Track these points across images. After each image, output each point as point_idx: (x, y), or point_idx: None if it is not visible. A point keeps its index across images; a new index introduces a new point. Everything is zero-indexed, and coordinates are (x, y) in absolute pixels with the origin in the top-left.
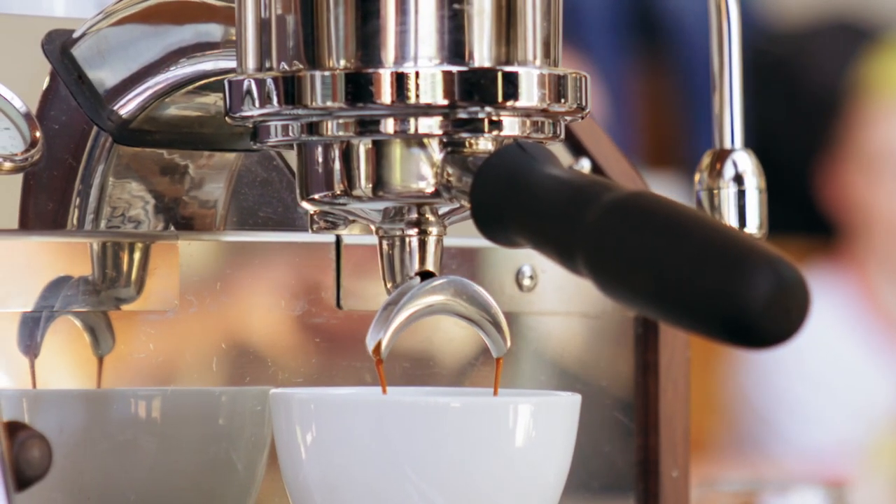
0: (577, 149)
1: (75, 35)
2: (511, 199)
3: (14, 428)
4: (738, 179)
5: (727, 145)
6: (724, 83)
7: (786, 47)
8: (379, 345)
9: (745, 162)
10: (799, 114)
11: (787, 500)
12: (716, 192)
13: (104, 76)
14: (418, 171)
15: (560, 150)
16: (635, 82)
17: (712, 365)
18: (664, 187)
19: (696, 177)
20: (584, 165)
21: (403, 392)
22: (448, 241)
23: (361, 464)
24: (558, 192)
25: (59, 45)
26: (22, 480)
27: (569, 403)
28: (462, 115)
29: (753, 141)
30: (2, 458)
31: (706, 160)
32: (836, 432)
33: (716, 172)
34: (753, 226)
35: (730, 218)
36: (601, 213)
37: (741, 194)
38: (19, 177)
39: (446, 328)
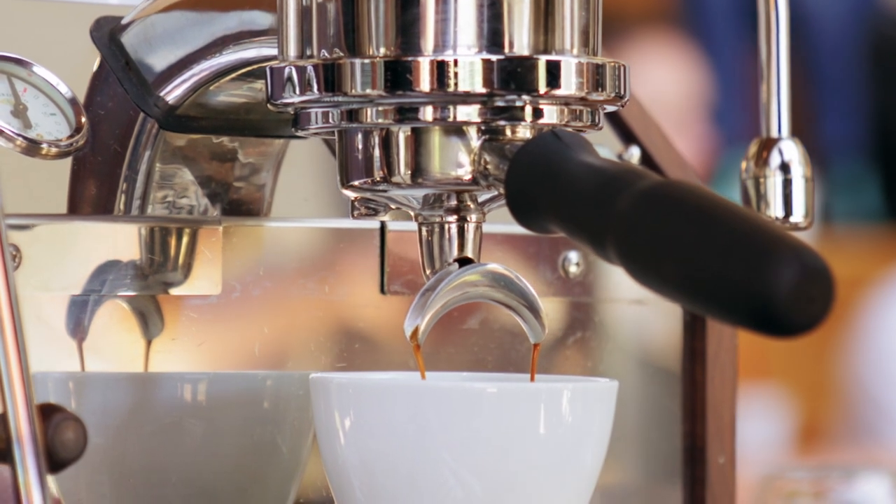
0: (628, 136)
1: (123, 22)
2: (545, 187)
3: (49, 410)
4: (785, 168)
5: (774, 134)
6: (771, 72)
7: None
8: (416, 330)
9: (791, 150)
10: None
11: (853, 487)
12: (762, 180)
13: (151, 63)
14: (456, 158)
15: (610, 138)
16: (756, 67)
17: (825, 351)
18: None
19: (743, 165)
20: (634, 153)
21: (441, 377)
22: (495, 229)
23: (399, 448)
24: (591, 179)
25: (108, 32)
26: (56, 462)
27: (605, 389)
28: (500, 103)
29: (874, 127)
30: (35, 440)
31: (753, 149)
32: None
33: (762, 161)
34: (799, 214)
35: (776, 206)
36: (632, 202)
37: (787, 183)
38: (68, 162)
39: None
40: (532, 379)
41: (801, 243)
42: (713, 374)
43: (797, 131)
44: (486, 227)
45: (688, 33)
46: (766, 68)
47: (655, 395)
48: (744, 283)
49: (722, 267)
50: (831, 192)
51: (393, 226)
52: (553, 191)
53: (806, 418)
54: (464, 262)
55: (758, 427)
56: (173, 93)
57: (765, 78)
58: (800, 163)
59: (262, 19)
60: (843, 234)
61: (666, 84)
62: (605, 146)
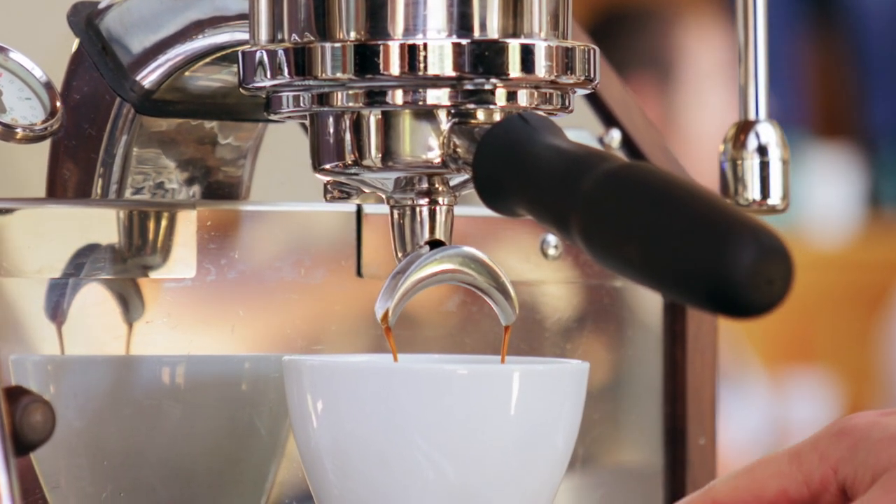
0: (609, 120)
1: (100, 7)
2: (511, 170)
3: (16, 392)
4: (762, 151)
5: (752, 117)
6: (749, 55)
7: None
8: (387, 313)
9: (768, 133)
10: None
11: None
12: (739, 163)
13: (127, 48)
14: (426, 141)
15: (591, 121)
16: (807, 53)
17: (872, 334)
18: (836, 157)
19: (721, 148)
20: (615, 136)
21: (412, 359)
22: (473, 211)
23: (371, 430)
24: (556, 162)
25: (85, 17)
26: (24, 445)
27: (576, 371)
28: (469, 86)
29: None
30: (1, 423)
31: (731, 131)
32: None
33: (740, 143)
34: (776, 197)
35: (753, 189)
36: (595, 183)
37: (764, 165)
38: (46, 146)
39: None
40: (503, 361)
41: (761, 224)
42: (693, 356)
43: (844, 115)
44: (466, 210)
45: (731, 12)
46: (743, 51)
47: (635, 377)
48: (702, 264)
49: (681, 248)
50: (879, 176)
51: (369, 209)
52: (519, 174)
53: (852, 401)
54: (435, 244)
55: (804, 410)
56: (149, 77)
57: (742, 61)
58: (777, 145)
59: (234, 4)
60: (890, 218)
61: (716, 58)
62: (585, 129)
